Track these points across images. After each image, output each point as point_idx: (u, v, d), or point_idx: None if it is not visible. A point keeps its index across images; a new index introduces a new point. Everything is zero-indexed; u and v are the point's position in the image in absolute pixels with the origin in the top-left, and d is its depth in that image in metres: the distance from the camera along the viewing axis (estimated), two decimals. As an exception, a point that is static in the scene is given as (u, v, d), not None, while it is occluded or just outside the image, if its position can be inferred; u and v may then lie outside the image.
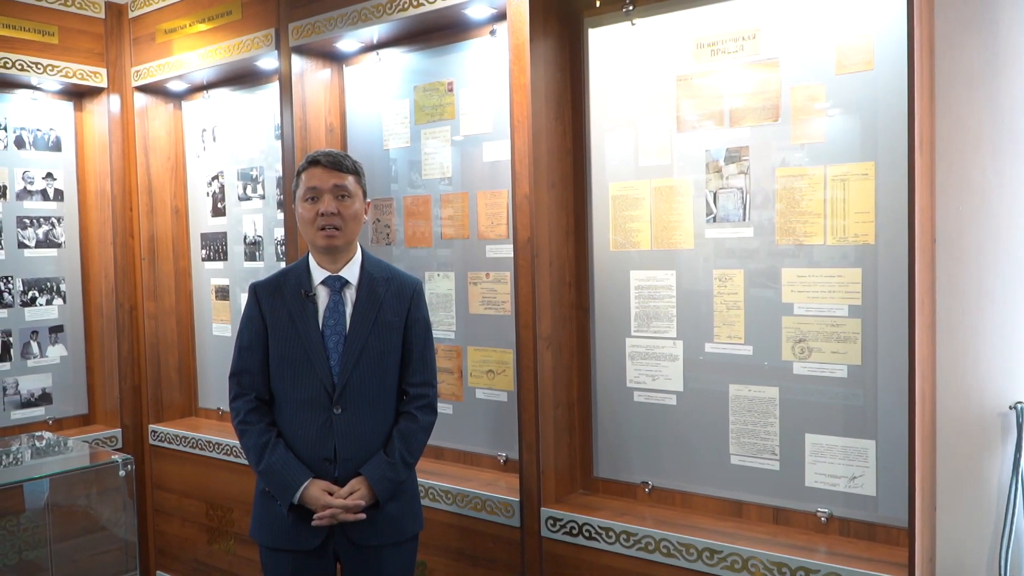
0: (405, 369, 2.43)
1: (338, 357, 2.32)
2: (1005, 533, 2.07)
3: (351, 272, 2.38)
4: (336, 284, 2.36)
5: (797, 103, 2.37)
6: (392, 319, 2.39)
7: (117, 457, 3.21)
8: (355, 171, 2.39)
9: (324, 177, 2.32)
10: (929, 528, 2.13)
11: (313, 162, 2.35)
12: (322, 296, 2.36)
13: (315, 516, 2.25)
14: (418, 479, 2.93)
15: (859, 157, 2.28)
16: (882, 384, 2.28)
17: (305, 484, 2.26)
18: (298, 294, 2.35)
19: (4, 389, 3.95)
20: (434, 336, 3.19)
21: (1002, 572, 2.07)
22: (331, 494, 2.27)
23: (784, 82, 2.39)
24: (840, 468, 2.35)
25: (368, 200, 2.45)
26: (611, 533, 2.51)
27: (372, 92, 3.41)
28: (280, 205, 3.79)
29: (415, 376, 2.43)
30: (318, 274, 2.37)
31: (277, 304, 2.36)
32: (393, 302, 2.40)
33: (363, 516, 2.28)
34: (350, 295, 2.38)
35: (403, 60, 3.29)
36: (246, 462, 3.66)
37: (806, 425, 2.40)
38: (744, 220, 2.48)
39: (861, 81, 2.27)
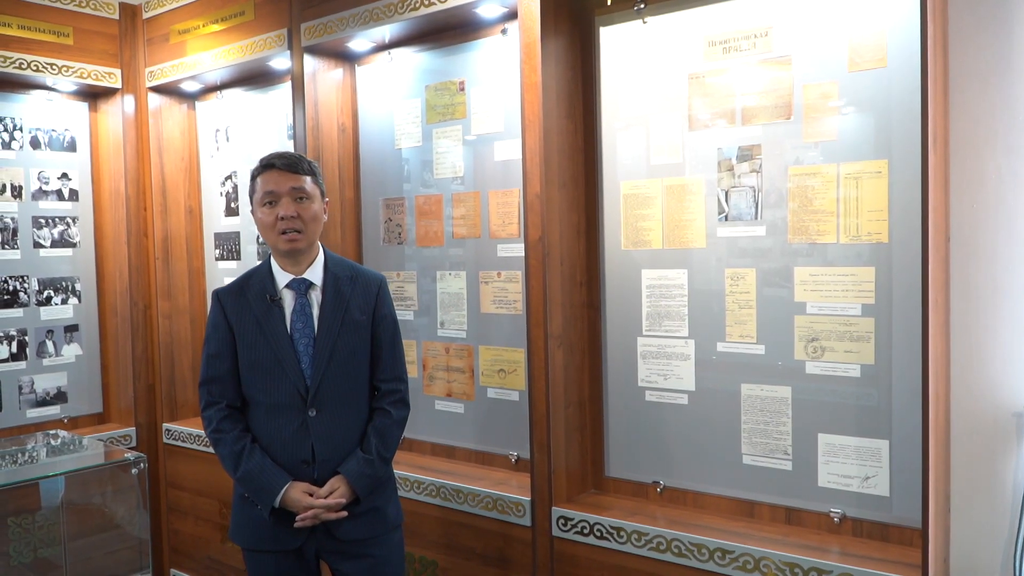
0: (376, 366, 2.44)
1: (309, 359, 2.32)
2: (1020, 534, 2.05)
3: (315, 273, 2.37)
4: (301, 287, 2.35)
5: (810, 101, 2.36)
6: (360, 318, 2.39)
7: (130, 455, 3.23)
8: (311, 172, 2.37)
9: (280, 180, 2.30)
10: (943, 529, 2.11)
11: (268, 165, 2.32)
12: (287, 299, 2.35)
13: (298, 517, 2.26)
14: (417, 475, 2.97)
15: (872, 155, 2.26)
16: (896, 384, 2.26)
17: (285, 488, 2.27)
18: (263, 298, 2.34)
19: (20, 388, 3.98)
20: (446, 335, 3.23)
21: (1017, 573, 2.05)
22: (311, 495, 2.29)
23: (796, 80, 2.38)
24: (853, 468, 2.33)
25: (327, 199, 2.45)
26: (622, 533, 2.51)
27: (384, 92, 3.42)
28: (293, 205, 3.80)
29: (385, 372, 2.44)
30: (282, 277, 2.36)
31: (242, 310, 2.34)
32: (359, 300, 2.40)
33: (345, 514, 2.30)
34: (316, 296, 2.37)
35: (415, 59, 3.30)
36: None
37: (819, 425, 2.39)
38: (756, 219, 2.47)
39: (874, 78, 2.25)
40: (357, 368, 2.39)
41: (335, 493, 2.29)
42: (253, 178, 2.36)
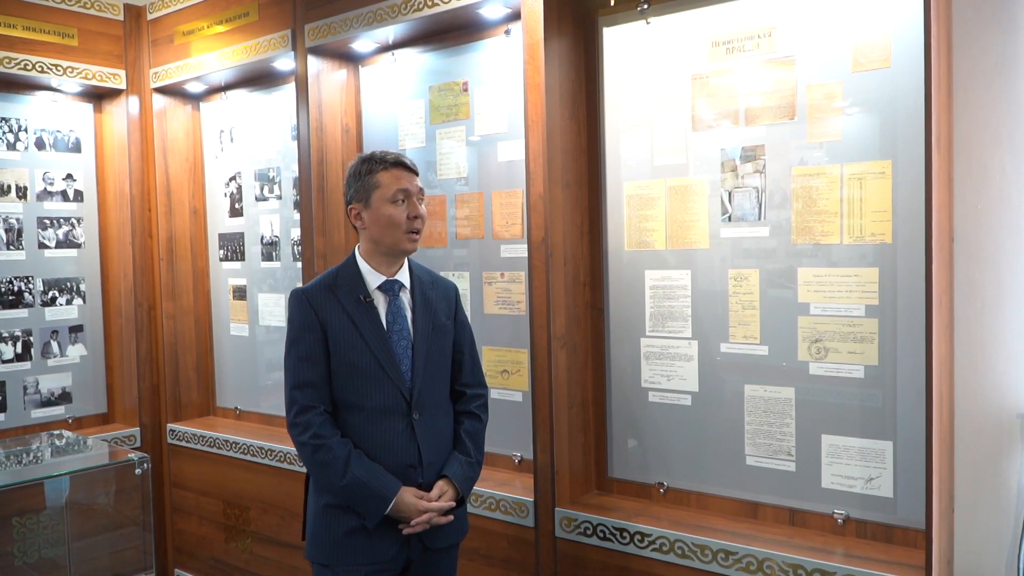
0: (458, 371, 2.40)
1: (409, 362, 2.25)
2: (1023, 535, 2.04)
3: (404, 276, 2.32)
4: (394, 288, 2.29)
5: (813, 101, 2.35)
6: (445, 322, 2.36)
7: (133, 456, 3.24)
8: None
9: (411, 180, 2.26)
10: (947, 530, 2.11)
11: (397, 163, 2.26)
12: (379, 301, 2.27)
13: (412, 522, 2.18)
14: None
15: (876, 155, 2.26)
16: (900, 385, 2.25)
17: (399, 493, 2.18)
18: (356, 300, 2.25)
19: (25, 388, 3.99)
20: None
21: (1020, 575, 2.04)
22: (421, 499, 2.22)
23: (800, 80, 2.37)
24: (857, 469, 2.33)
25: None
26: (625, 534, 2.50)
27: (387, 92, 3.42)
28: (296, 205, 3.80)
29: (470, 377, 2.42)
30: (373, 278, 2.27)
31: (334, 311, 2.24)
32: (442, 305, 2.37)
33: (452, 518, 2.25)
34: (406, 299, 2.31)
35: (418, 60, 3.30)
36: (264, 461, 3.69)
37: (822, 426, 2.38)
38: (760, 219, 2.46)
39: (878, 79, 2.25)
40: (446, 371, 2.36)
41: (444, 496, 2.23)
42: (372, 173, 2.24)
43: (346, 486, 2.16)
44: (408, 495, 2.19)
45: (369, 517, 2.17)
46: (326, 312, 2.24)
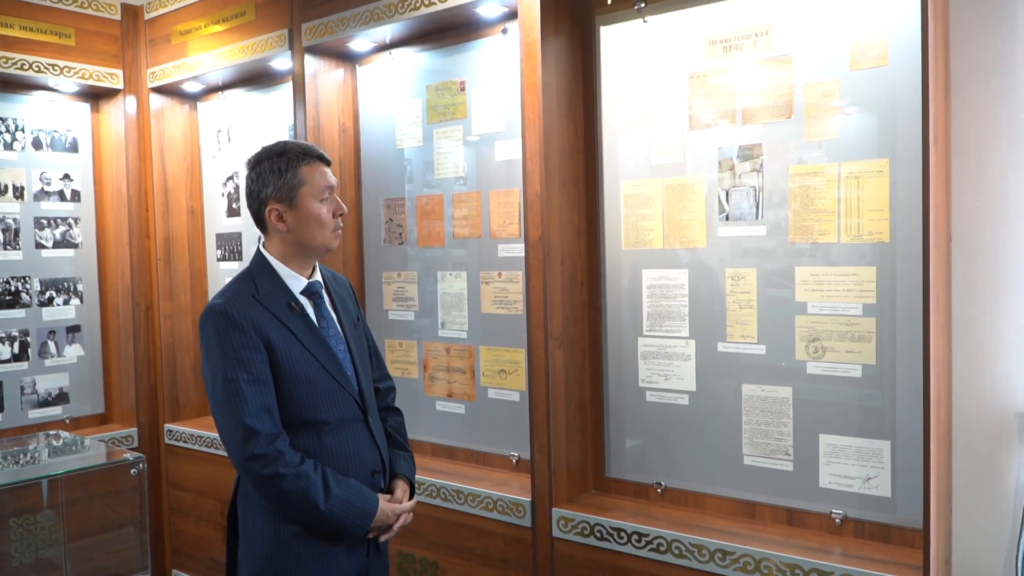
0: (370, 366, 2.33)
1: (351, 366, 2.17)
2: (1022, 535, 2.03)
3: (319, 275, 2.21)
4: (318, 290, 2.18)
5: (811, 100, 2.35)
6: (356, 319, 2.30)
7: (129, 456, 3.23)
8: None
9: (332, 176, 2.17)
10: (945, 530, 2.10)
11: (320, 157, 2.14)
12: (306, 306, 2.14)
13: (395, 526, 2.14)
14: (418, 476, 2.95)
15: (874, 154, 2.25)
16: (898, 384, 2.25)
17: (379, 504, 2.10)
18: (286, 308, 2.08)
19: (22, 388, 3.98)
20: (447, 336, 3.24)
21: (1018, 574, 2.04)
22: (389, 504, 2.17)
23: (798, 79, 2.37)
24: (855, 469, 2.32)
25: None
26: (623, 534, 2.50)
27: (385, 92, 3.41)
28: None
29: (379, 371, 2.38)
30: (296, 282, 2.13)
31: (271, 324, 2.05)
32: (350, 301, 2.31)
33: (412, 517, 2.22)
34: (327, 300, 2.20)
35: (415, 59, 3.29)
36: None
37: (820, 425, 2.38)
38: (757, 218, 2.46)
39: (875, 77, 2.24)
40: (370, 368, 2.31)
41: (405, 496, 2.21)
42: (293, 169, 2.09)
43: (328, 510, 1.99)
44: (384, 504, 2.11)
45: (350, 537, 2.07)
46: (264, 327, 2.04)
